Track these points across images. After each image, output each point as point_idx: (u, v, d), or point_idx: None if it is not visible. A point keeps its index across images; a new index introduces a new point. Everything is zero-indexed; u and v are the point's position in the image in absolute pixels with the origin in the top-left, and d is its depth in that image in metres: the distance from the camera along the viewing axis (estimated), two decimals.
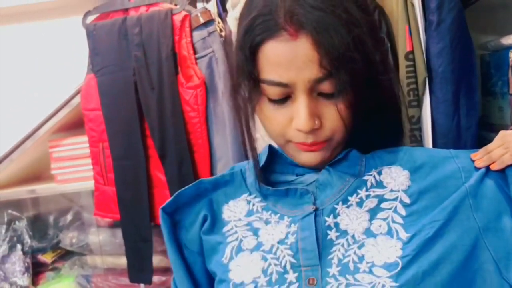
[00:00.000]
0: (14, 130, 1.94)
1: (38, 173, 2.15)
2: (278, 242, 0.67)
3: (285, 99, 0.64)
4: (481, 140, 1.52)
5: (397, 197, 0.66)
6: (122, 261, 1.88)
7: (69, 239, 2.02)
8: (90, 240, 2.00)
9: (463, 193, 0.65)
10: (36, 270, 2.08)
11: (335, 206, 0.67)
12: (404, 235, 0.63)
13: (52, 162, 1.91)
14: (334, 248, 0.64)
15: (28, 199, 2.18)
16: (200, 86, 1.56)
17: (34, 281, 2.06)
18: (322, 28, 0.58)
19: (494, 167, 0.66)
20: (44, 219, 2.13)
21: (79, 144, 1.85)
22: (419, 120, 1.45)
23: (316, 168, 0.72)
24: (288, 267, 0.64)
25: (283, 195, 0.71)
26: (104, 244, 1.98)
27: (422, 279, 0.59)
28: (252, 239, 0.69)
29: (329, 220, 0.66)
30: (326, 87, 0.62)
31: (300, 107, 0.63)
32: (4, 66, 2.01)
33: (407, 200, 0.66)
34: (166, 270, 1.96)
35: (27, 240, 2.04)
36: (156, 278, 1.94)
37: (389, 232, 0.63)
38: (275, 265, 0.65)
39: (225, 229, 0.73)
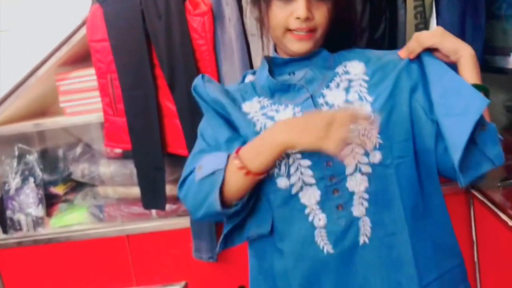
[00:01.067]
0: (19, 65, 1.95)
1: (45, 108, 2.17)
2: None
3: (289, 0, 0.95)
4: (485, 63, 1.55)
5: (360, 77, 1.00)
6: (133, 191, 1.94)
7: (80, 171, 2.06)
8: (101, 171, 2.04)
9: (399, 69, 0.99)
10: (49, 202, 2.13)
11: (322, 91, 1.00)
12: (369, 98, 0.97)
13: (60, 95, 1.92)
14: None
15: (36, 134, 2.21)
16: (207, 13, 1.56)
17: (48, 213, 2.13)
18: None
19: (410, 56, 1.00)
20: (53, 153, 2.16)
21: (87, 76, 1.86)
22: None
23: (303, 57, 1.01)
24: None
25: (285, 90, 1.02)
26: (115, 175, 2.02)
27: (387, 121, 0.95)
28: (271, 123, 0.99)
29: (321, 100, 0.99)
30: None
31: (300, 3, 0.93)
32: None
33: (366, 78, 1.00)
34: (177, 199, 2.02)
35: (39, 173, 2.08)
36: (167, 206, 2.00)
37: (360, 98, 0.98)
38: None
39: (249, 117, 1.02)
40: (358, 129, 0.92)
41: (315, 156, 0.93)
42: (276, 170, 0.95)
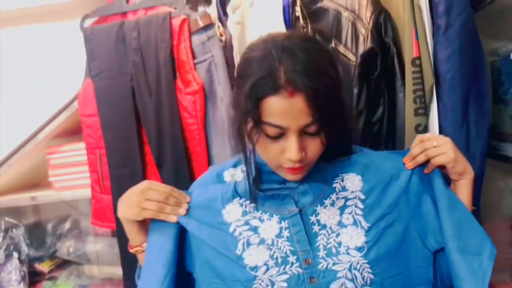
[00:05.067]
0: (12, 135, 1.91)
1: (37, 180, 2.11)
2: (276, 236, 0.92)
3: (279, 136, 0.87)
4: (492, 150, 1.46)
5: (356, 196, 0.95)
6: (120, 271, 1.83)
7: (66, 248, 1.98)
8: (88, 249, 1.96)
9: (399, 191, 0.95)
10: (33, 279, 2.03)
11: (315, 208, 0.94)
12: (365, 224, 0.92)
13: (50, 169, 1.87)
14: (319, 238, 0.91)
15: (26, 206, 2.14)
16: (198, 91, 1.51)
17: None
18: (313, 92, 0.82)
19: (426, 171, 0.96)
20: (42, 227, 2.09)
21: (77, 150, 1.81)
22: (426, 128, 1.38)
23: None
24: (288, 253, 0.90)
25: (269, 198, 0.95)
26: (101, 253, 1.94)
27: (381, 256, 0.90)
28: (255, 237, 0.92)
29: (312, 218, 0.93)
30: (311, 129, 0.86)
31: (292, 143, 0.86)
32: (3, 69, 1.97)
33: (362, 196, 0.95)
34: None
35: (24, 248, 2.00)
36: None
37: (355, 223, 0.92)
38: (279, 252, 0.90)
39: (230, 230, 0.94)
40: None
41: (302, 285, 0.88)
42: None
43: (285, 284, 0.87)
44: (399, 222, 0.93)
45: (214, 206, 0.97)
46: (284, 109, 0.83)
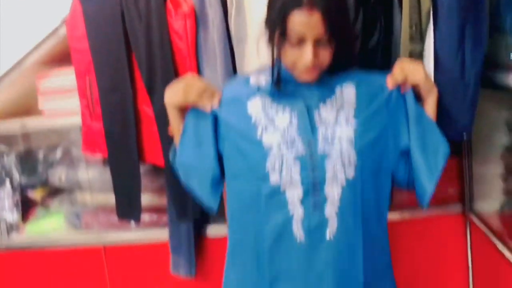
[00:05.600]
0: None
1: (27, 108, 2.08)
2: (287, 125, 1.17)
3: (299, 44, 1.09)
4: (487, 79, 1.44)
5: (350, 102, 1.19)
6: (112, 198, 1.85)
7: (58, 175, 1.98)
8: (80, 177, 1.96)
9: (383, 101, 1.20)
10: (26, 207, 2.05)
11: (319, 106, 1.18)
12: (355, 122, 1.17)
13: (40, 95, 1.84)
14: (319, 129, 1.17)
15: (16, 136, 2.12)
16: (189, 15, 1.47)
17: (24, 218, 2.05)
18: (327, 9, 1.06)
19: (395, 87, 1.20)
20: (33, 155, 2.08)
21: (67, 75, 1.77)
22: (421, 55, 1.36)
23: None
24: (296, 138, 1.16)
25: (285, 96, 1.19)
26: (93, 181, 1.95)
27: (365, 146, 1.17)
28: (271, 125, 1.18)
29: (316, 114, 1.18)
30: (324, 40, 1.09)
31: (308, 49, 1.09)
32: None
33: (354, 102, 1.19)
34: (157, 209, 1.94)
35: (16, 175, 2.01)
36: (147, 217, 1.92)
37: (347, 121, 1.17)
38: (289, 137, 1.16)
39: (252, 121, 1.19)
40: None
41: (304, 162, 1.15)
42: (271, 168, 1.16)
43: (292, 159, 1.15)
44: (380, 124, 1.20)
45: (240, 101, 1.22)
46: (304, 21, 1.06)
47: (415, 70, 1.20)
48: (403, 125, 1.22)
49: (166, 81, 1.49)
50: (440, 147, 1.22)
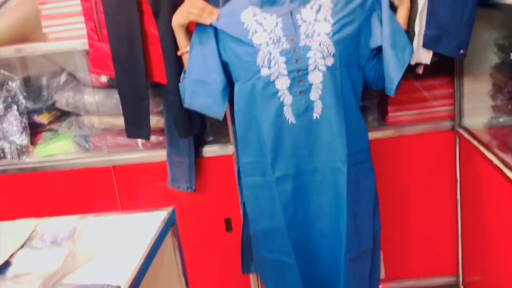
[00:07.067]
0: None
1: (28, 34, 2.09)
2: (274, 27, 1.40)
3: None
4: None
5: (327, 3, 1.41)
6: (119, 121, 1.91)
7: (64, 99, 2.02)
8: (86, 100, 2.00)
9: (359, 4, 1.43)
10: (33, 130, 2.11)
11: (300, 9, 1.41)
12: (332, 20, 1.40)
13: (43, 20, 1.85)
14: (301, 27, 1.40)
15: (18, 61, 2.14)
16: None
17: (32, 141, 2.11)
18: None
19: None
20: (36, 81, 2.11)
21: (70, 0, 1.79)
22: None
23: None
24: (281, 36, 1.40)
25: (272, 3, 1.42)
26: (100, 104, 1.99)
27: (341, 39, 1.41)
28: (260, 28, 1.41)
29: (298, 16, 1.41)
30: None
31: None
32: None
33: (331, 4, 1.41)
34: (162, 130, 2.01)
35: (22, 100, 2.04)
36: (153, 138, 1.99)
37: (325, 19, 1.40)
38: (275, 36, 1.39)
39: (244, 26, 1.43)
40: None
41: (289, 55, 1.39)
42: (261, 63, 1.40)
43: (278, 53, 1.39)
44: (354, 22, 1.43)
45: (235, 13, 1.44)
46: None
47: None
48: (376, 27, 1.44)
49: (171, 3, 1.53)
50: (407, 47, 1.45)
